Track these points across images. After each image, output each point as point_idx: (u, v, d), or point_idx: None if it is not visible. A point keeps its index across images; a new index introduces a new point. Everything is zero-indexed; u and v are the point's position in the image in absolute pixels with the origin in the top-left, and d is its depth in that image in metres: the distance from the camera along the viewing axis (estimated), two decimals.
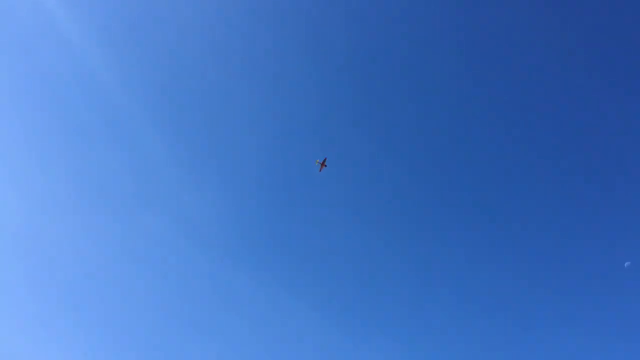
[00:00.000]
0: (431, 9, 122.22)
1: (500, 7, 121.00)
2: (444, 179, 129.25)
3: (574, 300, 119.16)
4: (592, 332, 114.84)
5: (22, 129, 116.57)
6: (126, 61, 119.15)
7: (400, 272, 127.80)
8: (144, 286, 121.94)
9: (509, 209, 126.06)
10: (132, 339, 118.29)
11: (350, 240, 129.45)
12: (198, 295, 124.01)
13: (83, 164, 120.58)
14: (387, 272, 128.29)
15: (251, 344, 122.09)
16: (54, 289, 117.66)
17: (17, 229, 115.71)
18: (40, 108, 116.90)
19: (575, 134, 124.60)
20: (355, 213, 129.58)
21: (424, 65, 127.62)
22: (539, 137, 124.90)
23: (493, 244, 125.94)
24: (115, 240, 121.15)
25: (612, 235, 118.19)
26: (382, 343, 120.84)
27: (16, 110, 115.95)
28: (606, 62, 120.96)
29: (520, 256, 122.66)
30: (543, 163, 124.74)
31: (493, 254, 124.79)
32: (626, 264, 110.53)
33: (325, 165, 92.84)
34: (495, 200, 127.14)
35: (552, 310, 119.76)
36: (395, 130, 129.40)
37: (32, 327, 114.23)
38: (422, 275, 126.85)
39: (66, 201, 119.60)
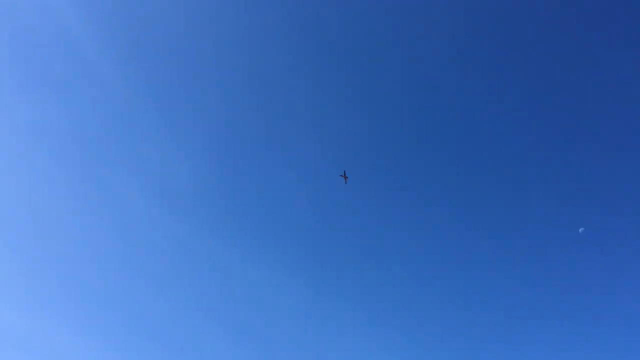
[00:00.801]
0: (432, 10, 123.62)
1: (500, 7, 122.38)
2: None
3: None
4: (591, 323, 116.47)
5: None
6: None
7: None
8: (114, 248, 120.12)
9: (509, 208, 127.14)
10: (101, 301, 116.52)
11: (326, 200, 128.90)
12: (171, 260, 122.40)
13: (53, 122, 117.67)
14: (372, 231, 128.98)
15: (226, 307, 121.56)
16: (21, 250, 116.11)
17: None
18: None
19: (575, 132, 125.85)
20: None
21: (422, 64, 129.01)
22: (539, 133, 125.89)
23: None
24: (85, 202, 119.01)
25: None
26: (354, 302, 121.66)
27: None
28: (606, 62, 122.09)
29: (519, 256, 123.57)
30: (542, 163, 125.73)
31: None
32: (580, 230, 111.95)
33: (347, 177, 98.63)
34: (495, 200, 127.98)
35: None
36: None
37: None
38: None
39: (35, 161, 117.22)
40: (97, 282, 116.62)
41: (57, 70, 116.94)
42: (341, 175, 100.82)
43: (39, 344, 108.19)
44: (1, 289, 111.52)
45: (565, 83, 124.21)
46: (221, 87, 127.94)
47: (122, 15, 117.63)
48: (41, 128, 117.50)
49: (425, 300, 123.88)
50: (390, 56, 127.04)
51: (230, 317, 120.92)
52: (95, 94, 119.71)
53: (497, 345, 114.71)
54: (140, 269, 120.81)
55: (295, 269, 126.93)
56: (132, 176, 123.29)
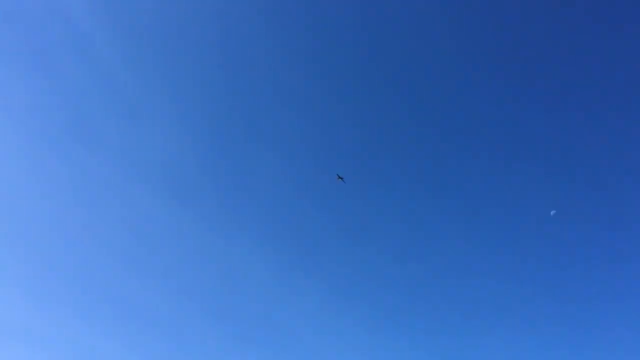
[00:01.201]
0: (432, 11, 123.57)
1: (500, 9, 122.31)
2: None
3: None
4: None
5: None
6: None
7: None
8: (81, 225, 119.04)
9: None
10: (97, 289, 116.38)
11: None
12: (170, 250, 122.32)
13: (19, 97, 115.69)
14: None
15: (223, 299, 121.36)
16: (15, 238, 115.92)
17: None
18: None
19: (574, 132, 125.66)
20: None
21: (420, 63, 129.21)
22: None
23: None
24: (53, 177, 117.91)
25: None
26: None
27: None
28: (606, 62, 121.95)
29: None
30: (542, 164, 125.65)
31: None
32: (552, 212, 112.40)
33: (342, 178, 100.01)
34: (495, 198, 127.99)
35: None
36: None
37: None
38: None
39: (30, 148, 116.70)
40: (89, 271, 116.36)
41: (53, 51, 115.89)
42: (339, 178, 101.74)
43: (33, 332, 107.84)
44: None
45: (568, 82, 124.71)
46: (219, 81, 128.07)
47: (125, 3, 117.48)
48: (35, 113, 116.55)
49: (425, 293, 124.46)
50: (389, 53, 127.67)
51: (226, 308, 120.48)
52: (95, 79, 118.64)
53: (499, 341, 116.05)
54: (137, 260, 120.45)
55: (293, 261, 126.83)
56: (128, 163, 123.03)
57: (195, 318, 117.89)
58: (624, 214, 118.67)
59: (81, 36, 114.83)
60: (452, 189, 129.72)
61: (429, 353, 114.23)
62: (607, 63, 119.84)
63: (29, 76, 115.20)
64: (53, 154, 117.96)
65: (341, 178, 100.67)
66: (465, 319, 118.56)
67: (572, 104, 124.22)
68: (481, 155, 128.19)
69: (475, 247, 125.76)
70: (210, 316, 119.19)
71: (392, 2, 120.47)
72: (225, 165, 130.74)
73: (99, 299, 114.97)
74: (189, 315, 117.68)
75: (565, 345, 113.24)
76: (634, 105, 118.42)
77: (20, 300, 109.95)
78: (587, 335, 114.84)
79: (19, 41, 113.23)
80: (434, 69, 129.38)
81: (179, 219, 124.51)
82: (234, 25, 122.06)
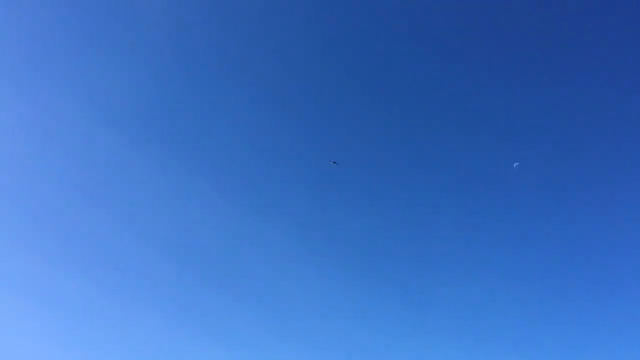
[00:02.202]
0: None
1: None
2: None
3: None
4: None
5: None
6: None
7: None
8: (50, 166, 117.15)
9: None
10: (43, 219, 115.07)
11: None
12: (106, 177, 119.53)
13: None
14: None
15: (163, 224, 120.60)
16: None
17: None
18: None
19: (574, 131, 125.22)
20: None
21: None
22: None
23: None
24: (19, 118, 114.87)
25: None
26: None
27: None
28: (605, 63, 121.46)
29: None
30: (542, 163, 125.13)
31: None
32: (515, 164, 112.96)
33: (335, 162, 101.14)
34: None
35: None
36: None
37: None
38: None
39: None
40: (26, 194, 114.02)
41: None
42: (332, 162, 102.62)
43: None
44: None
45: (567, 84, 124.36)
46: None
47: None
48: None
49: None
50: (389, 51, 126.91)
51: (193, 251, 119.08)
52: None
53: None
54: (73, 182, 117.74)
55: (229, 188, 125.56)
56: (71, 90, 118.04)
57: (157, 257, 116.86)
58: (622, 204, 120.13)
59: None
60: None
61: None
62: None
63: None
64: (15, 90, 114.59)
65: (334, 162, 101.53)
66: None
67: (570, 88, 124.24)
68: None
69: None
70: (167, 252, 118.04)
71: None
72: (193, 106, 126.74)
73: (55, 233, 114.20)
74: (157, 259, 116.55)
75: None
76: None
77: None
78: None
79: None
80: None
81: (141, 158, 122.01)
82: None
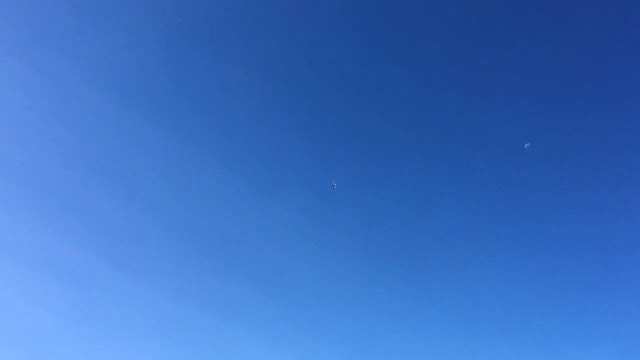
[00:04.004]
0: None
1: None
2: None
3: None
4: None
5: None
6: None
7: None
8: (45, 130, 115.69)
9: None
10: (36, 184, 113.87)
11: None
12: (102, 142, 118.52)
13: None
14: None
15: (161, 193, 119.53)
16: None
17: None
18: None
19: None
20: None
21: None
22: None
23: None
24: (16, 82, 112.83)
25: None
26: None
27: None
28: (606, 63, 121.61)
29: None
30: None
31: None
32: (526, 145, 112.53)
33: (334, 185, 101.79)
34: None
35: None
36: None
37: None
38: None
39: None
40: (29, 168, 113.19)
41: None
42: (332, 185, 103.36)
43: None
44: None
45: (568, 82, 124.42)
46: None
47: None
48: None
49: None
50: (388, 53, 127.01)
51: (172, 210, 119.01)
52: None
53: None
54: (77, 157, 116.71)
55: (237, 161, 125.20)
56: (75, 61, 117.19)
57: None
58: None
59: None
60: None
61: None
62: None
63: None
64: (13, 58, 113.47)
65: (334, 186, 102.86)
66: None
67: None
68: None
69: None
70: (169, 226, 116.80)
71: None
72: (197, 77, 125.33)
73: (53, 202, 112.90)
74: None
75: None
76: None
77: None
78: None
79: None
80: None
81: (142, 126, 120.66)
82: None
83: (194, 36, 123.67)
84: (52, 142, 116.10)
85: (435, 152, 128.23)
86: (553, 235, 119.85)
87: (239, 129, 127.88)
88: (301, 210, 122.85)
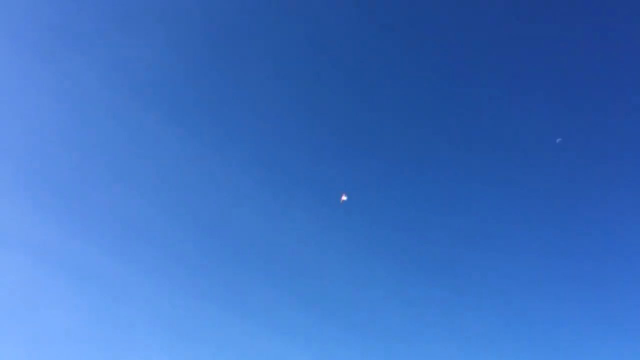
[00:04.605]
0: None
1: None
2: None
3: None
4: None
5: None
6: None
7: None
8: (69, 132, 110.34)
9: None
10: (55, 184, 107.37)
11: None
12: (121, 144, 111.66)
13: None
14: None
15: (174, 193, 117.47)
16: None
17: None
18: None
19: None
20: None
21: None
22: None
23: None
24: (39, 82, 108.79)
25: None
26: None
27: None
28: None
29: None
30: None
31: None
32: (558, 140, 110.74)
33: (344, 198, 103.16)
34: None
35: None
36: None
37: None
38: None
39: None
40: (56, 170, 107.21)
41: None
42: (343, 198, 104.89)
43: None
44: None
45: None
46: None
47: None
48: (22, 19, 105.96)
49: None
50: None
51: (220, 224, 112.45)
52: None
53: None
54: (102, 158, 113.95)
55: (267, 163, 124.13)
56: (93, 63, 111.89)
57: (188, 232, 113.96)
58: None
59: None
60: None
61: None
62: None
63: None
64: (40, 60, 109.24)
65: (344, 199, 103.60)
66: None
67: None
68: None
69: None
70: (203, 230, 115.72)
71: None
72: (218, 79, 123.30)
73: (78, 204, 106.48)
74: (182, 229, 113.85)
75: None
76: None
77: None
78: None
79: None
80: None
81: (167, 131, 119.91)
82: None
83: (210, 36, 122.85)
84: (73, 144, 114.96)
85: (460, 153, 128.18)
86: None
87: (255, 129, 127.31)
88: (320, 208, 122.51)
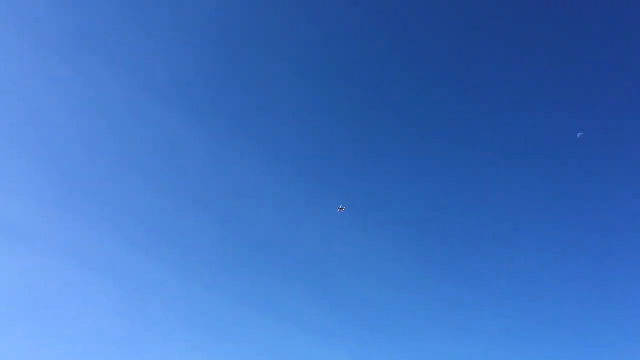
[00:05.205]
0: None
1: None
2: None
3: None
4: None
5: None
6: None
7: None
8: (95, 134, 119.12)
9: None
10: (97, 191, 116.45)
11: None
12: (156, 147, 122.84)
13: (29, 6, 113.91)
14: None
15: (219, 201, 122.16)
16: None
17: None
18: None
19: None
20: None
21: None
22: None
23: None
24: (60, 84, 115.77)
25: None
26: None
27: None
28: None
29: None
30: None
31: None
32: (579, 134, 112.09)
33: (342, 209, 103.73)
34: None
35: None
36: None
37: None
38: None
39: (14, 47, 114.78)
40: (88, 174, 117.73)
41: None
42: (339, 209, 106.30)
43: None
44: None
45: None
46: None
47: None
48: (45, 23, 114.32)
49: None
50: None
51: (222, 210, 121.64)
52: None
53: None
54: (133, 161, 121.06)
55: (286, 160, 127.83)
56: (119, 70, 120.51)
57: (204, 228, 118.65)
58: None
59: None
60: None
61: None
62: None
63: None
64: (62, 62, 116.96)
65: (342, 209, 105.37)
66: None
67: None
68: None
69: None
70: (218, 224, 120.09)
71: None
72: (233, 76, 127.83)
73: (105, 205, 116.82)
74: (198, 225, 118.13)
75: None
76: None
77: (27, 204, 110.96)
78: None
79: None
80: None
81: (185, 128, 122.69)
82: None
83: (237, 36, 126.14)
84: (99, 146, 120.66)
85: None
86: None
87: (277, 129, 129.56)
88: (357, 211, 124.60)
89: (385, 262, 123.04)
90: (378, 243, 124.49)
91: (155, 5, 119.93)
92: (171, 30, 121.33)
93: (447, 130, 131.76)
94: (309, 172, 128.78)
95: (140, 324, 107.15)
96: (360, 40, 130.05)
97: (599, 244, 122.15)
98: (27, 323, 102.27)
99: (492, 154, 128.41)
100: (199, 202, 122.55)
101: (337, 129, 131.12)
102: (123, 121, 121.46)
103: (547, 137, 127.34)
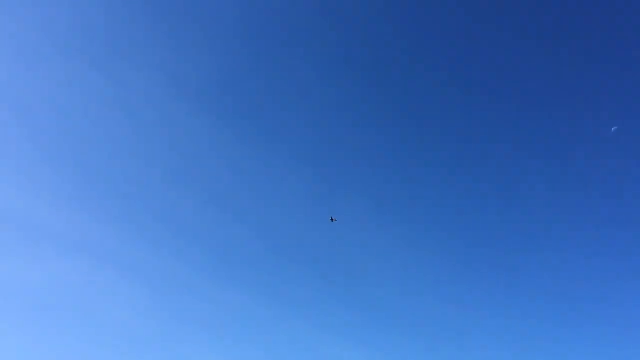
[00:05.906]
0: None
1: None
2: None
3: None
4: None
5: None
6: None
7: None
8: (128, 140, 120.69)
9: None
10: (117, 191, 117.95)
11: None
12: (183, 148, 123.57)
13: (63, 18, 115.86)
14: None
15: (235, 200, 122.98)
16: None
17: None
18: None
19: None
20: None
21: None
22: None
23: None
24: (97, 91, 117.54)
25: None
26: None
27: None
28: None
29: None
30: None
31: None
32: (613, 129, 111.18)
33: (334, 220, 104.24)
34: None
35: None
36: None
37: None
38: None
39: (48, 49, 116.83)
40: (113, 175, 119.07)
41: None
42: (332, 220, 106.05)
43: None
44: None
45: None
46: None
47: None
48: (79, 33, 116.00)
49: None
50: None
51: (241, 207, 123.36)
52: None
53: None
54: (157, 162, 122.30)
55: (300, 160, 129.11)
56: (147, 71, 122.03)
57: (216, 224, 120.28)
58: None
59: None
60: None
61: None
62: None
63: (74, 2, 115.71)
64: (93, 70, 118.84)
65: (334, 220, 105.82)
66: None
67: None
68: None
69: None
70: (240, 224, 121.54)
71: None
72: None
73: (139, 209, 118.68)
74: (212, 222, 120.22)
75: None
76: None
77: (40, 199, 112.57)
78: None
79: None
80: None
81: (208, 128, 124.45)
82: None
83: (264, 40, 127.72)
84: (131, 151, 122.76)
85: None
86: None
87: (308, 133, 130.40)
88: (374, 209, 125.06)
89: (404, 262, 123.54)
90: (395, 242, 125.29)
91: (179, 8, 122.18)
92: (195, 31, 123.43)
93: (473, 129, 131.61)
94: (329, 172, 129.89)
95: (166, 323, 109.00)
96: (384, 41, 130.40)
97: (603, 244, 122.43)
98: (55, 324, 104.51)
99: (540, 158, 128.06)
100: (222, 203, 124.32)
101: (356, 130, 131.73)
102: (147, 122, 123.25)
103: (563, 136, 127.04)
